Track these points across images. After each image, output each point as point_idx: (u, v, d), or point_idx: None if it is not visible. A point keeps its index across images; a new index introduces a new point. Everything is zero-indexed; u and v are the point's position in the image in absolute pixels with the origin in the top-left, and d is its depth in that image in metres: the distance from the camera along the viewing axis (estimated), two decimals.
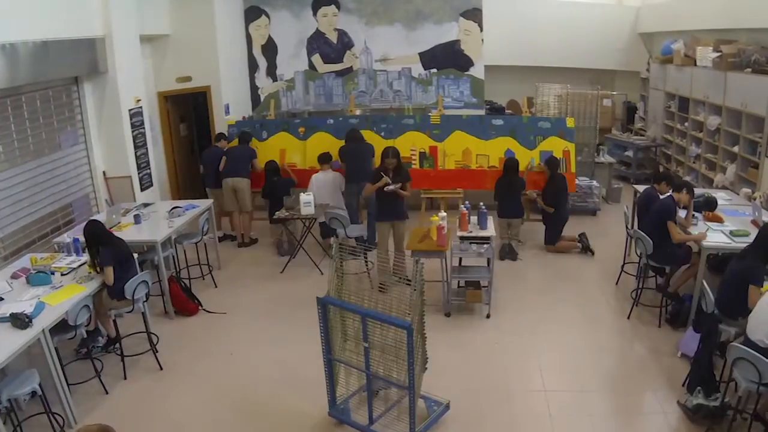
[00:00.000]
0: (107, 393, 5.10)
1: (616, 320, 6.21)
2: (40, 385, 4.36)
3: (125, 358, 5.42)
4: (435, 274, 6.51)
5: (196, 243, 7.26)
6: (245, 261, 8.02)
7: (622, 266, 7.05)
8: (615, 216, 9.05)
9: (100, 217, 6.51)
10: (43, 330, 4.46)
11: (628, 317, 6.20)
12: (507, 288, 6.88)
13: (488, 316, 6.29)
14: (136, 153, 7.95)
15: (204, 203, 7.53)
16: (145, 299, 5.60)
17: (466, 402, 4.90)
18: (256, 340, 5.98)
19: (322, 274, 7.47)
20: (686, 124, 10.04)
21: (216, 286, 7.21)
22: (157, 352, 5.62)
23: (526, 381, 5.21)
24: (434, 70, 10.93)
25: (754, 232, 5.60)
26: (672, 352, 5.46)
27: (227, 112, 9.93)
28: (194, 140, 10.71)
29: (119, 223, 6.77)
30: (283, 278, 7.46)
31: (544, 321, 6.22)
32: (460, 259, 6.48)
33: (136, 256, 5.78)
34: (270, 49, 10.96)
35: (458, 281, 6.50)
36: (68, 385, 4.76)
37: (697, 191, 6.64)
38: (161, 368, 5.48)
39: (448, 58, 10.85)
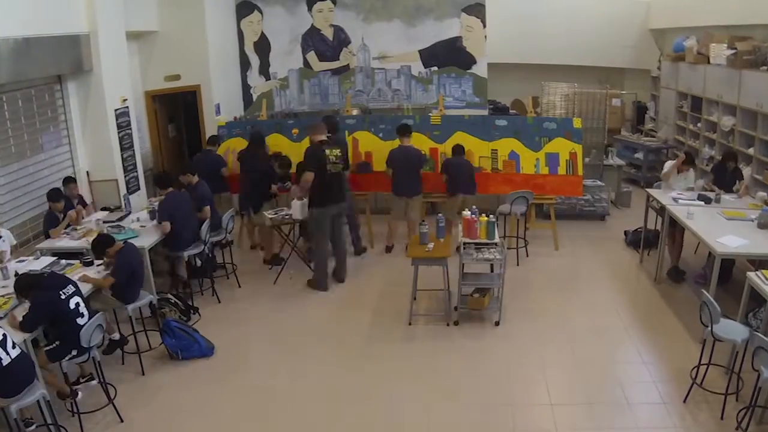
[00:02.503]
0: None
1: (625, 329, 6.23)
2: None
3: (81, 415, 4.87)
4: (437, 282, 6.56)
5: (221, 240, 7.46)
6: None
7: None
8: (624, 221, 9.09)
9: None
10: None
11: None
12: (515, 294, 6.90)
13: (497, 324, 6.33)
14: (122, 155, 7.98)
15: None
16: (99, 344, 5.08)
17: (467, 416, 4.93)
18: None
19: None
20: (699, 124, 10.09)
21: (219, 301, 7.11)
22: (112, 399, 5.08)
23: (531, 394, 5.23)
24: (435, 68, 10.98)
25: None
26: (689, 360, 5.47)
27: (218, 112, 9.97)
28: (183, 142, 10.74)
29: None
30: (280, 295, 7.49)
31: (551, 329, 6.25)
32: (463, 266, 6.51)
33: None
34: (263, 46, 11.01)
35: (461, 289, 6.51)
36: None
37: None
38: (121, 420, 4.96)
39: (449, 56, 10.90)
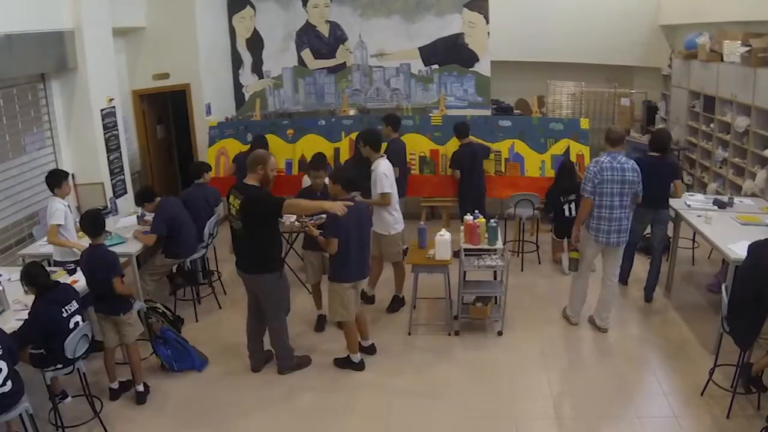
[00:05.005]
0: None
1: (634, 339, 6.26)
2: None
3: (65, 429, 4.92)
4: (437, 290, 6.58)
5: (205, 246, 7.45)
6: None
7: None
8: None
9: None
10: None
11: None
12: (519, 303, 6.94)
13: (500, 333, 6.35)
14: (108, 157, 7.99)
15: None
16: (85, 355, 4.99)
17: (469, 430, 4.95)
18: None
19: (310, 293, 7.49)
20: (712, 125, 10.11)
21: (220, 307, 7.22)
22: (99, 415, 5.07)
23: (536, 407, 5.25)
24: (435, 67, 11.01)
25: None
26: (702, 372, 5.49)
27: (208, 112, 9.99)
28: (173, 143, 10.76)
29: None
30: None
31: (557, 340, 6.28)
32: (465, 273, 6.53)
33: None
34: (255, 43, 11.04)
35: (462, 297, 6.52)
36: None
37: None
38: None
39: (450, 53, 10.92)
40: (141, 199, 6.93)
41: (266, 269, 5.41)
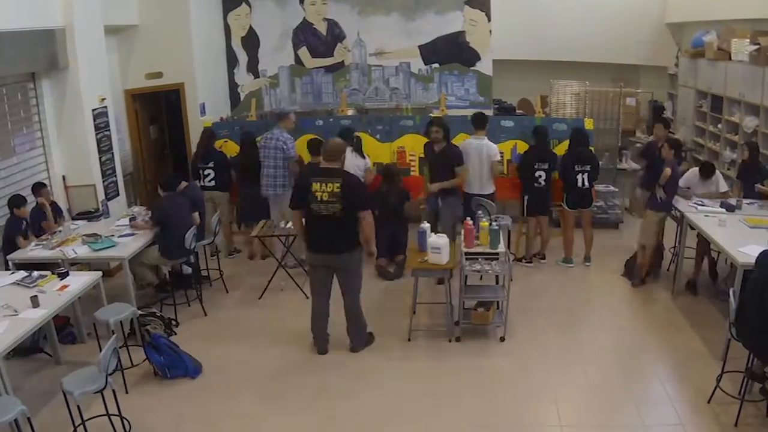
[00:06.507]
0: None
1: (641, 345, 6.26)
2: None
3: None
4: (438, 294, 6.58)
5: (207, 245, 7.70)
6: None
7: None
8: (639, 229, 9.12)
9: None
10: None
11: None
12: (522, 308, 6.92)
13: (502, 339, 6.35)
14: (100, 158, 8.01)
15: None
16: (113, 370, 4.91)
17: None
18: None
19: (307, 297, 7.47)
20: (720, 125, 10.14)
21: (206, 314, 7.14)
22: None
23: (540, 415, 5.25)
24: (436, 66, 11.03)
25: None
26: (710, 378, 5.50)
27: (203, 112, 9.99)
28: (166, 144, 10.76)
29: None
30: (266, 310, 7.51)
31: (561, 345, 6.28)
32: (466, 278, 6.53)
33: None
34: (251, 41, 11.05)
35: (463, 302, 6.52)
36: None
37: None
38: None
39: (451, 52, 10.93)
40: (166, 185, 7.10)
41: (356, 246, 5.88)
